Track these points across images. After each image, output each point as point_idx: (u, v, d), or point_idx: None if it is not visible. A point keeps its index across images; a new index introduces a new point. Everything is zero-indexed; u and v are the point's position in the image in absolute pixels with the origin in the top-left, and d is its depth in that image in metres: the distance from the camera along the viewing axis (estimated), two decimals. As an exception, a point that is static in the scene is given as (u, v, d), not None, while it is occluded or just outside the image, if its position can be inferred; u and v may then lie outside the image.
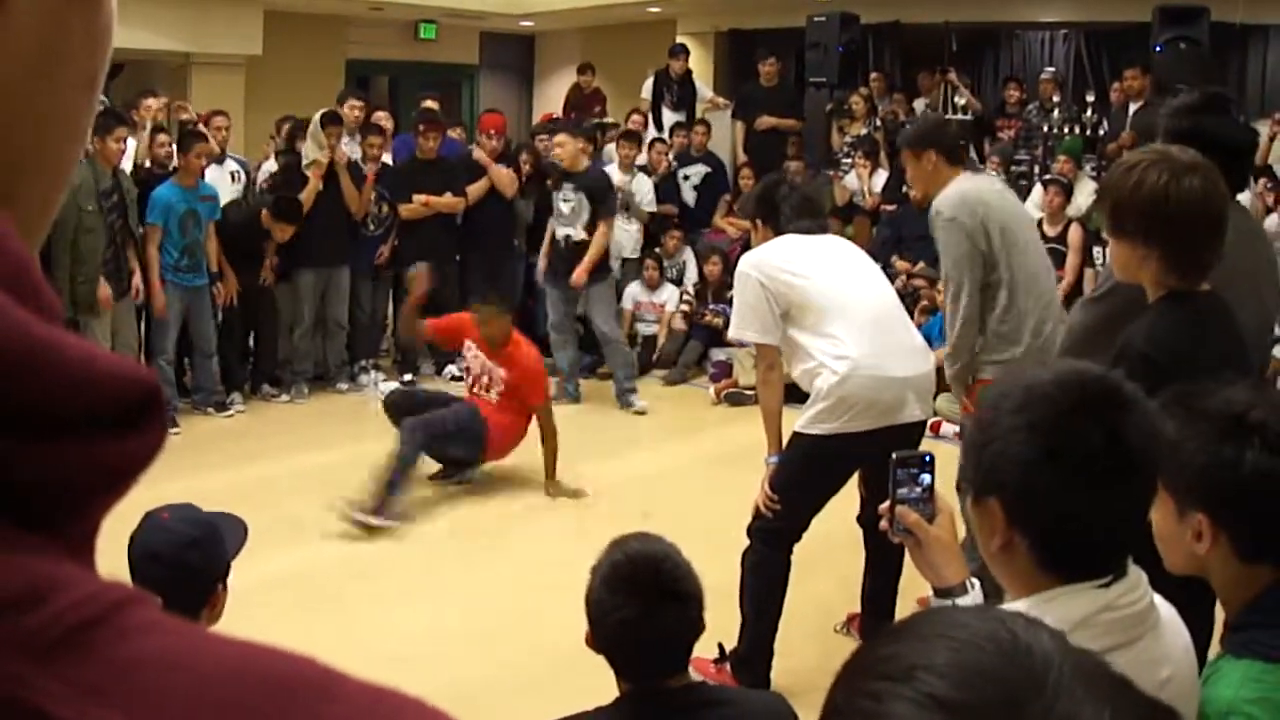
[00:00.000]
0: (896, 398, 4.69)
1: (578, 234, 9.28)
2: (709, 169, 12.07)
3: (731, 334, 5.23)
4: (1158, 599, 1.83)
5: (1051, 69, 12.67)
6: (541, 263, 9.72)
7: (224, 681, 0.45)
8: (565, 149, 9.26)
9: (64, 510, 0.46)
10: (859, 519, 5.18)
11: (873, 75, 13.16)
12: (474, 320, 7.36)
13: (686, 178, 11.97)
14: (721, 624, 5.34)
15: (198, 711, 0.44)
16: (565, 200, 9.30)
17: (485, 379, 7.35)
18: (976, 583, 2.07)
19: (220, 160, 9.56)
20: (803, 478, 4.80)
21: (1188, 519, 2.03)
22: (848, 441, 4.68)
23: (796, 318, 4.78)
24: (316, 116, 9.37)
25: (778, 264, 4.83)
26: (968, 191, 5.00)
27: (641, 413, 9.30)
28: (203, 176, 8.83)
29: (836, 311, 4.73)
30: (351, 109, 10.24)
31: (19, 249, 0.45)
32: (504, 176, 10.25)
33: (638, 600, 2.57)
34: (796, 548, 4.95)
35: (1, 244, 0.45)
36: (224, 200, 9.10)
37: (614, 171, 11.35)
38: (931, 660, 0.87)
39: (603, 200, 9.33)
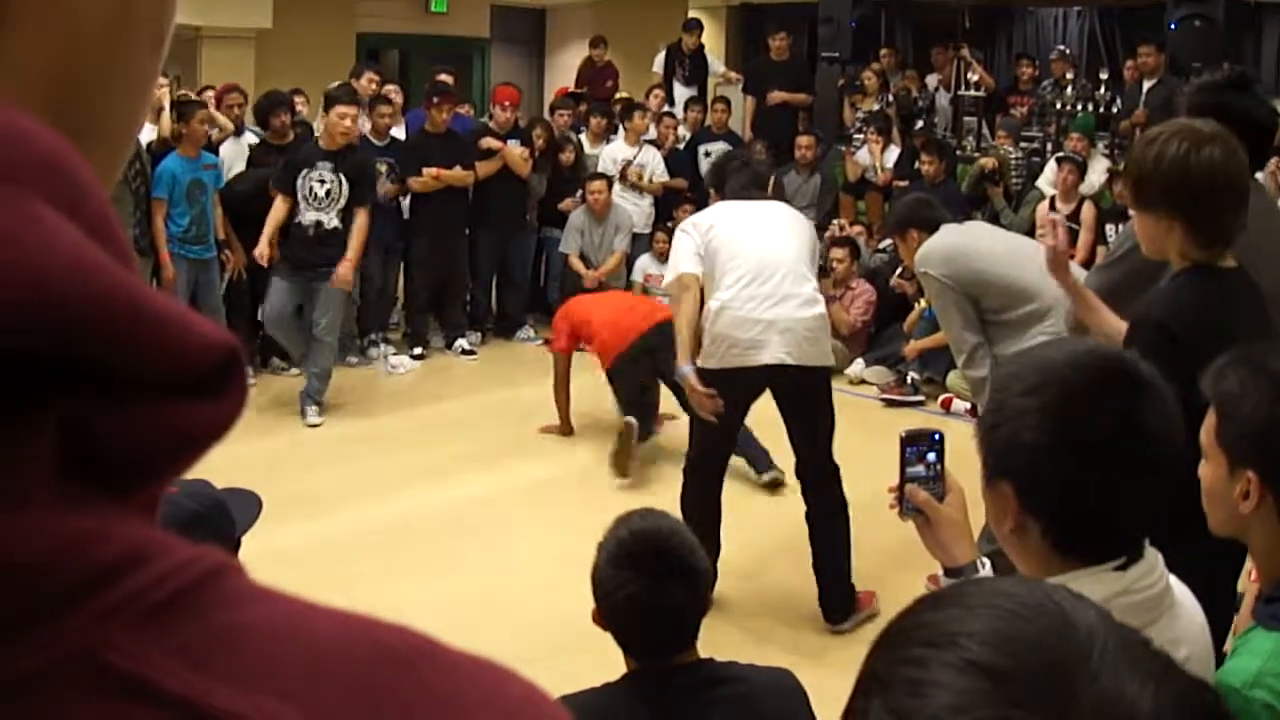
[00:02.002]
0: (755, 338, 5.13)
1: (331, 220, 8.13)
2: (730, 147, 12.02)
3: (665, 284, 5.67)
4: (1173, 580, 1.82)
5: (1063, 47, 12.61)
6: (266, 248, 8.10)
7: (333, 650, 0.45)
8: (356, 124, 8.39)
9: (144, 475, 0.45)
10: (796, 471, 5.44)
11: (883, 51, 13.11)
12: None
13: (708, 154, 11.95)
14: (733, 598, 5.37)
15: (309, 681, 0.43)
16: (321, 181, 8.11)
17: None
18: (987, 562, 2.06)
19: (239, 133, 9.56)
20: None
21: (1237, 476, 2.02)
22: (730, 376, 5.15)
23: (707, 268, 5.30)
24: (329, 90, 9.34)
25: (705, 222, 5.45)
26: (935, 246, 5.34)
27: (314, 426, 8.23)
28: (215, 150, 8.82)
29: (729, 261, 5.25)
30: (370, 81, 10.22)
31: (104, 199, 0.44)
32: (517, 156, 10.22)
33: (644, 577, 2.56)
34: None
35: (89, 192, 0.44)
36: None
37: (620, 146, 11.35)
38: (975, 628, 0.87)
39: (363, 183, 8.34)
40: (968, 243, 5.40)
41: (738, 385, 5.14)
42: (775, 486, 6.84)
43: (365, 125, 9.61)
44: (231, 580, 0.45)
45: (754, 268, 5.21)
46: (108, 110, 0.51)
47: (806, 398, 5.26)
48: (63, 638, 0.40)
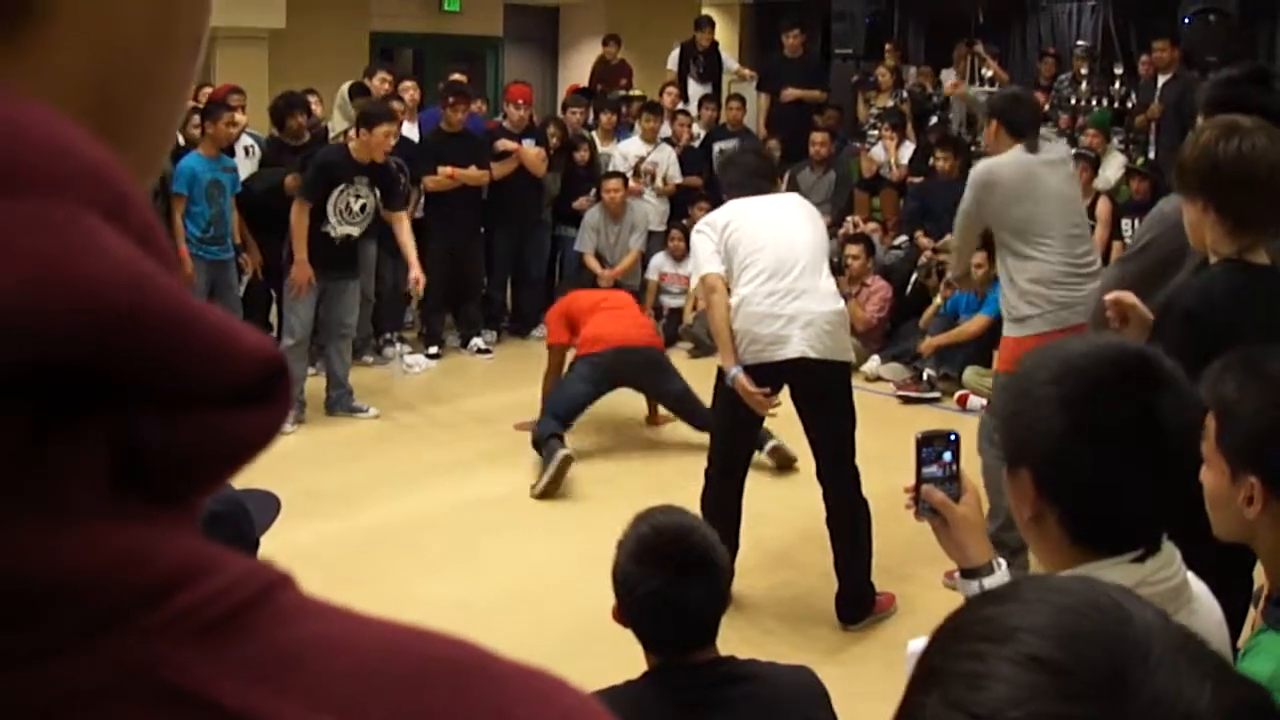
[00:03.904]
0: (777, 333, 5.13)
1: (357, 233, 8.08)
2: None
3: (692, 287, 5.69)
4: (1190, 575, 1.82)
5: (1083, 42, 12.59)
6: (306, 271, 7.80)
7: (387, 665, 0.44)
8: (390, 138, 7.97)
9: (192, 484, 0.45)
10: (817, 474, 5.38)
11: (888, 46, 13.06)
12: None
13: (722, 152, 11.92)
14: (748, 595, 5.37)
15: (365, 696, 0.43)
16: (357, 197, 7.92)
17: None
18: (1003, 562, 2.07)
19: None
20: (722, 407, 5.35)
21: (1240, 481, 2.02)
22: (750, 372, 5.14)
23: (727, 266, 5.30)
24: (344, 88, 9.35)
25: (721, 220, 5.43)
26: (982, 172, 5.61)
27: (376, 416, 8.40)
28: (231, 152, 8.83)
29: (748, 256, 5.26)
30: (382, 81, 10.22)
31: (148, 209, 0.44)
32: (533, 157, 10.23)
33: (664, 574, 2.56)
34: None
35: (134, 202, 0.44)
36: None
37: (636, 143, 11.34)
38: (1034, 623, 0.87)
39: (394, 189, 8.28)
40: (1015, 183, 5.49)
41: (758, 381, 5.12)
42: (786, 464, 6.97)
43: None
44: (285, 595, 0.45)
45: (773, 263, 5.21)
46: (146, 113, 0.51)
47: (827, 396, 5.23)
48: (119, 654, 0.40)
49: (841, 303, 5.38)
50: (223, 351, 0.43)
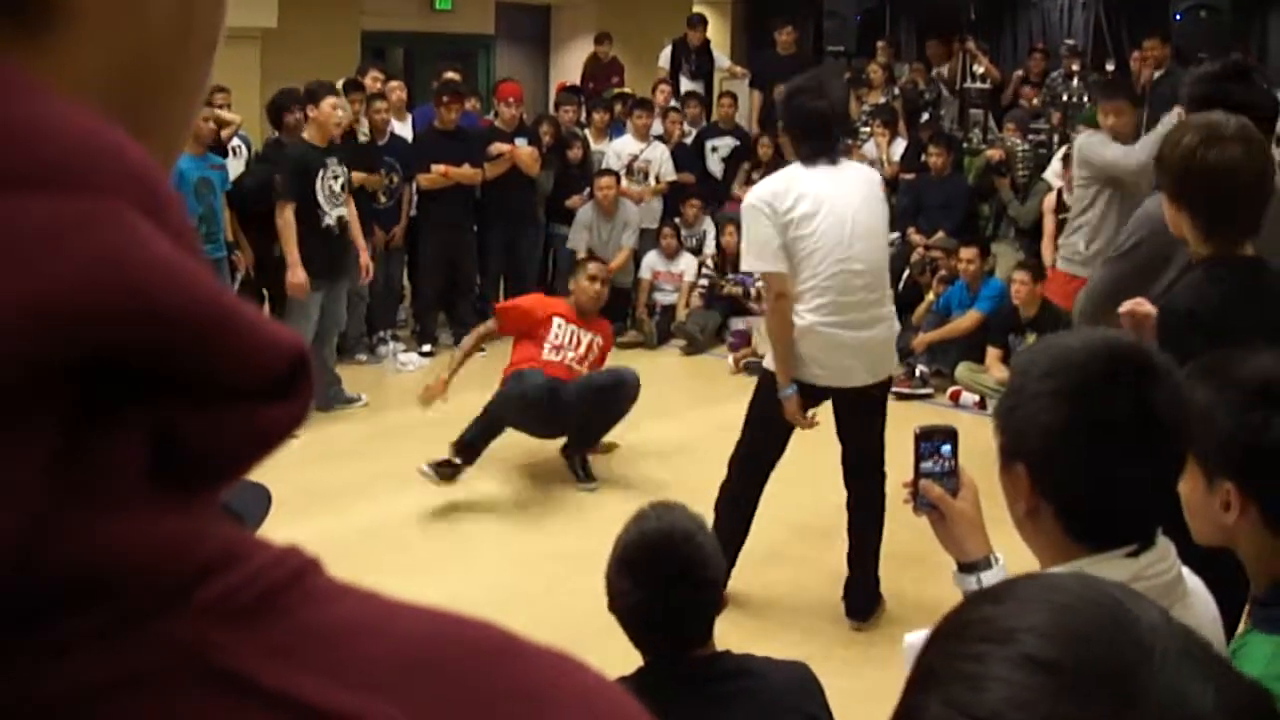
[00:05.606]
0: (841, 364, 4.96)
1: (344, 213, 8.10)
2: (738, 142, 11.98)
3: (744, 265, 5.45)
4: (1185, 570, 1.83)
5: (1070, 41, 12.61)
6: (303, 274, 7.72)
7: (419, 646, 0.46)
8: (338, 109, 8.07)
9: (220, 475, 0.46)
10: (842, 460, 5.30)
11: (880, 43, 13.07)
12: (574, 286, 7.56)
13: (715, 149, 11.91)
14: (744, 591, 5.37)
15: (399, 676, 0.44)
16: (335, 178, 7.99)
17: (577, 348, 7.38)
18: (1001, 557, 2.07)
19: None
20: (764, 412, 5.11)
21: (1216, 488, 2.02)
22: (803, 388, 4.97)
23: (789, 257, 4.94)
24: (338, 85, 9.35)
25: (782, 203, 4.91)
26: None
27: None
28: (222, 152, 8.81)
29: (814, 273, 4.91)
30: (374, 80, 10.21)
31: (184, 209, 0.45)
32: (527, 156, 10.22)
33: (647, 584, 2.57)
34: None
35: (171, 202, 0.45)
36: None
37: (628, 141, 11.34)
38: (1033, 623, 0.86)
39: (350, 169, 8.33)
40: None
41: (804, 395, 5.00)
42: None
43: (363, 123, 9.60)
44: (315, 580, 0.47)
45: (840, 283, 4.93)
46: (165, 113, 0.52)
47: (870, 406, 5.14)
48: (168, 636, 0.41)
49: (897, 322, 5.27)
50: (257, 346, 0.44)
